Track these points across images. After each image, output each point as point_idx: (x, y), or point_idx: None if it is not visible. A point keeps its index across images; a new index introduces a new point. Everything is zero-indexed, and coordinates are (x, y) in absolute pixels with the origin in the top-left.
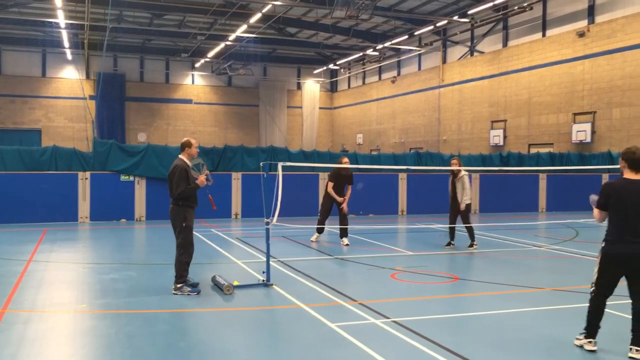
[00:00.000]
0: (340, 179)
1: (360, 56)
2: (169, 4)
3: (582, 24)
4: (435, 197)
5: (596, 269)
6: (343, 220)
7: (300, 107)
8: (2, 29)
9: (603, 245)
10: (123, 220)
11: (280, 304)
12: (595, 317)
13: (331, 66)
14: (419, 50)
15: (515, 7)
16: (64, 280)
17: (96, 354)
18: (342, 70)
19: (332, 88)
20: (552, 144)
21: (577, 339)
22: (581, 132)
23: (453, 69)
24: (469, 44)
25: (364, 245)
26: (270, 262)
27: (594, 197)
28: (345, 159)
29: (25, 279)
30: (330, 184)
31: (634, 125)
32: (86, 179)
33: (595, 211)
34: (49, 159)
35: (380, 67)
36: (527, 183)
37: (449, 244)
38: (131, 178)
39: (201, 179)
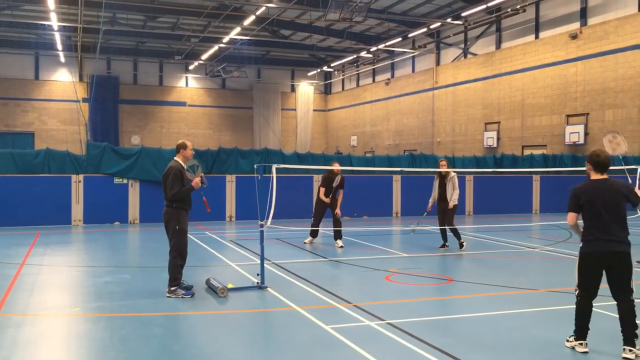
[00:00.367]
0: (332, 184)
1: (354, 58)
2: (163, 6)
3: (575, 26)
4: (429, 199)
5: (577, 271)
6: (337, 223)
7: (294, 110)
8: None
9: (581, 246)
10: (117, 223)
11: (275, 307)
12: (583, 318)
13: (325, 68)
14: (413, 53)
15: (509, 10)
16: (57, 284)
17: (90, 357)
18: (336, 72)
19: (326, 90)
20: (546, 145)
21: (567, 340)
22: (574, 133)
23: (447, 71)
24: (462, 46)
25: (358, 247)
26: (265, 265)
27: None
28: (336, 164)
29: (18, 283)
30: (322, 190)
31: (626, 127)
32: (79, 181)
33: (569, 215)
34: (42, 161)
35: (374, 69)
36: (520, 185)
37: (443, 245)
38: (125, 181)
39: (196, 180)
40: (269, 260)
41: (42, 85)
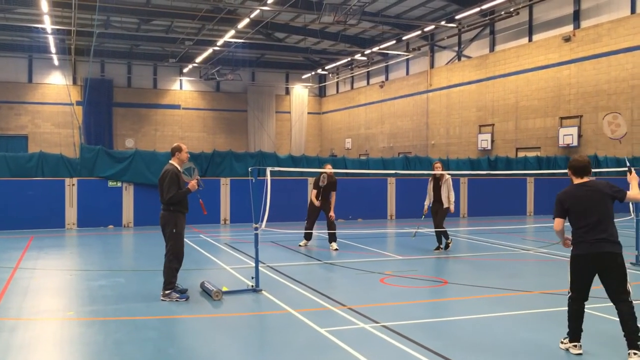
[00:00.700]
0: (319, 183)
1: (349, 61)
2: (157, 9)
3: (568, 28)
4: (424, 201)
5: (569, 274)
6: (331, 225)
7: (289, 112)
8: None
9: (571, 248)
10: (111, 226)
11: (270, 310)
12: (576, 320)
13: (319, 71)
14: (407, 55)
15: (502, 12)
16: (51, 288)
17: None
18: (330, 75)
19: (321, 93)
20: (540, 147)
21: (561, 342)
22: (568, 135)
23: (441, 74)
24: (456, 48)
25: (353, 250)
26: (259, 268)
27: None
28: (329, 166)
29: (11, 287)
30: (314, 192)
31: None
32: (73, 185)
33: (555, 221)
34: (36, 165)
35: (368, 72)
36: (514, 187)
37: (437, 247)
38: (119, 184)
39: (192, 183)
40: (264, 263)
41: (36, 88)
